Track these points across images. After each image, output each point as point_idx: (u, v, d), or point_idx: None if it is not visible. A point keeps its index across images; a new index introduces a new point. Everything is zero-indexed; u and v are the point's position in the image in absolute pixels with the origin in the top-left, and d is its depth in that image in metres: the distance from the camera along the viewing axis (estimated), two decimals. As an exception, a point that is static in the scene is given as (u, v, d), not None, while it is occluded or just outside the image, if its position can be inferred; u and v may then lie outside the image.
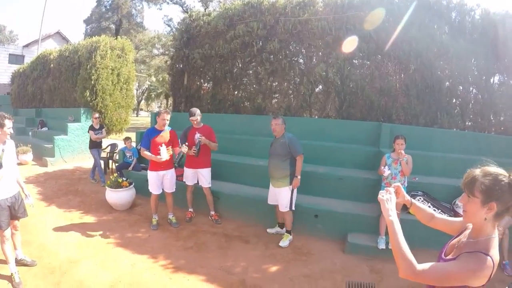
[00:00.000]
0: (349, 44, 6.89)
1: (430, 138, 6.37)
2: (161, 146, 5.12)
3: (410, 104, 6.80)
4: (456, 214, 4.74)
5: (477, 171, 1.53)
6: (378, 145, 6.34)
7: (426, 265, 1.47)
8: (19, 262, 4.04)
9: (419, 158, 5.16)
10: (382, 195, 1.76)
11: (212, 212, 5.81)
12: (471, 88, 6.94)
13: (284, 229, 5.13)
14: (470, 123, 6.96)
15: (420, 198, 4.97)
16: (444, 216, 1.98)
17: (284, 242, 4.90)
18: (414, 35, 6.64)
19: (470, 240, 1.56)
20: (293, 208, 4.91)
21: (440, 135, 6.42)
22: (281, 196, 4.85)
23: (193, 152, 5.33)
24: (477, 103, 6.86)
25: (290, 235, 5.00)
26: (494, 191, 1.44)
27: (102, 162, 9.47)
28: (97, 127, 8.36)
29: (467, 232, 1.66)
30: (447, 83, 6.87)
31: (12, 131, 3.66)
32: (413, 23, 6.65)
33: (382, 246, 4.54)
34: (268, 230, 5.38)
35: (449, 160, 5.89)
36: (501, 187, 1.43)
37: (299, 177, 4.76)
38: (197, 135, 5.33)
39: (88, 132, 8.32)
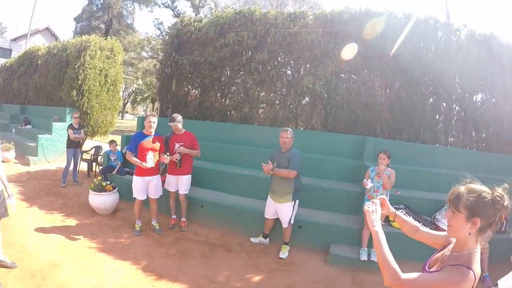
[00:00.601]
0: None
1: (413, 153, 6.53)
2: (148, 153, 5.11)
3: (394, 119, 6.96)
4: (437, 228, 4.89)
5: (462, 188, 1.61)
6: (362, 158, 6.46)
7: (410, 275, 1.55)
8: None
9: (402, 172, 5.28)
10: (368, 206, 1.85)
11: (183, 219, 5.78)
12: (454, 105, 7.17)
13: (267, 239, 5.27)
14: (452, 139, 7.17)
15: (402, 211, 5.09)
16: (429, 230, 2.06)
17: (284, 254, 4.93)
18: (400, 52, 6.80)
19: (454, 254, 1.63)
20: (292, 222, 4.97)
21: (422, 150, 6.60)
22: (284, 212, 4.85)
23: (176, 160, 5.33)
24: (459, 120, 7.10)
25: (288, 246, 5.05)
26: (478, 208, 1.53)
27: (86, 164, 9.42)
28: (76, 126, 8.23)
29: (450, 246, 1.73)
30: (431, 99, 7.09)
31: None
32: (400, 40, 6.82)
33: (364, 257, 4.64)
34: (251, 239, 5.40)
35: (431, 174, 6.07)
36: (485, 203, 1.52)
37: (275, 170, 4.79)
38: (176, 146, 5.33)
39: (67, 130, 8.16)
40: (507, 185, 1.58)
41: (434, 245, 1.94)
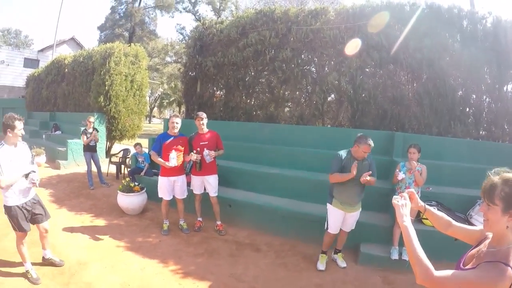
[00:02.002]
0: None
1: (443, 147, 6.29)
2: (171, 152, 5.11)
3: (423, 113, 6.74)
4: (471, 225, 4.67)
5: (496, 179, 1.49)
6: (391, 155, 6.28)
7: (443, 272, 1.45)
8: (47, 261, 4.13)
9: (433, 167, 5.08)
10: (397, 200, 1.77)
11: (218, 222, 5.68)
12: (484, 97, 6.86)
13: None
14: (484, 132, 6.87)
15: (434, 208, 4.89)
16: (462, 225, 1.94)
17: (344, 262, 4.61)
18: (426, 43, 6.61)
19: (491, 249, 1.51)
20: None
21: (453, 145, 6.34)
22: (353, 218, 4.45)
23: (196, 161, 5.27)
24: (490, 112, 6.77)
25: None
26: None
27: (114, 166, 9.59)
28: (90, 131, 8.32)
29: (487, 241, 1.62)
30: (460, 92, 6.82)
31: (23, 133, 3.59)
32: (425, 31, 6.65)
33: (395, 256, 4.46)
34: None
35: (463, 169, 5.81)
36: None
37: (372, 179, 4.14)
38: (206, 152, 5.25)
39: (81, 136, 8.31)
40: None
41: (468, 240, 1.82)
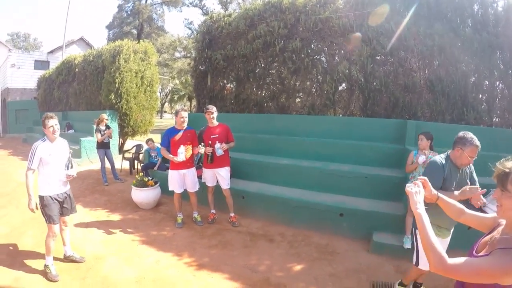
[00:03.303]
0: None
1: (456, 135, 6.17)
2: (180, 147, 5.12)
3: (436, 100, 6.63)
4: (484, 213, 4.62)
5: (509, 164, 1.48)
6: (404, 143, 6.20)
7: (457, 260, 1.43)
8: (68, 258, 4.21)
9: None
10: (411, 187, 1.75)
11: (232, 214, 5.68)
12: (497, 83, 6.71)
13: None
14: (497, 119, 6.74)
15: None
16: (475, 212, 1.92)
17: None
18: (436, 29, 6.50)
19: (504, 236, 1.50)
20: None
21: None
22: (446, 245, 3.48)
23: (208, 154, 5.30)
24: (504, 98, 6.62)
25: None
26: None
27: (128, 162, 9.70)
28: (103, 128, 8.40)
29: (500, 228, 1.60)
30: (473, 78, 6.67)
31: (55, 129, 3.75)
32: (435, 17, 6.54)
33: (407, 245, 4.40)
34: None
35: (478, 157, 5.71)
36: None
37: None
38: (217, 145, 5.26)
39: (95, 133, 8.40)
40: None
41: (481, 228, 1.81)
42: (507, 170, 1.47)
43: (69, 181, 3.97)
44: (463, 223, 1.92)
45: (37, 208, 3.75)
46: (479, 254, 1.54)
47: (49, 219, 3.79)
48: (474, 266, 1.41)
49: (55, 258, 4.06)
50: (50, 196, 3.78)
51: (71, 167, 3.92)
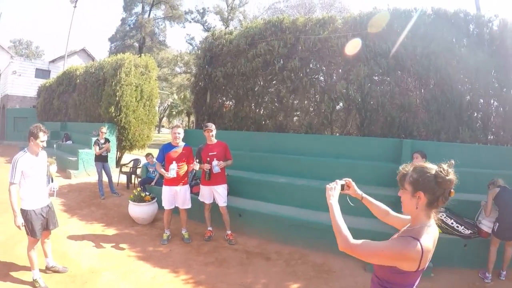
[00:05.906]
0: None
1: (452, 153, 6.21)
2: (172, 163, 5.18)
3: (431, 119, 6.72)
4: (480, 230, 4.69)
5: (408, 168, 1.75)
6: (400, 162, 6.25)
7: (359, 241, 1.65)
8: (50, 269, 4.19)
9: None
10: (330, 184, 2.01)
11: (228, 232, 5.66)
12: (492, 101, 6.82)
13: None
14: (492, 137, 6.81)
15: (443, 215, 4.86)
16: (398, 214, 2.08)
17: None
18: (433, 49, 6.63)
19: (408, 228, 1.74)
20: None
21: (461, 150, 6.28)
22: None
23: (206, 170, 5.34)
24: (498, 116, 6.71)
25: None
26: (419, 182, 1.64)
27: (125, 176, 9.68)
28: (102, 141, 8.47)
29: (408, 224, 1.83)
30: (468, 96, 6.77)
31: (44, 145, 3.78)
32: (431, 37, 6.67)
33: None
34: None
35: (471, 175, 5.76)
36: (426, 178, 1.62)
37: None
38: (215, 163, 5.31)
39: (93, 146, 8.44)
40: (453, 161, 1.71)
41: (401, 227, 1.97)
42: (405, 172, 1.73)
43: (55, 196, 3.98)
44: (388, 223, 2.07)
45: (23, 225, 3.72)
46: None
47: (32, 233, 3.77)
48: (373, 247, 1.62)
49: (50, 271, 4.06)
50: (33, 211, 3.77)
51: (52, 180, 3.94)
